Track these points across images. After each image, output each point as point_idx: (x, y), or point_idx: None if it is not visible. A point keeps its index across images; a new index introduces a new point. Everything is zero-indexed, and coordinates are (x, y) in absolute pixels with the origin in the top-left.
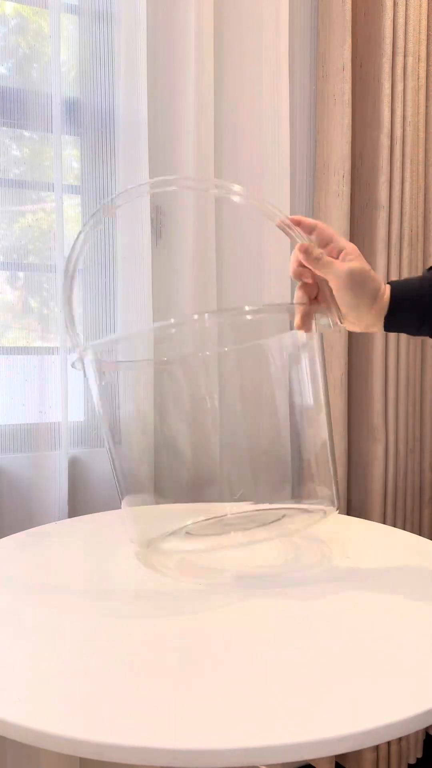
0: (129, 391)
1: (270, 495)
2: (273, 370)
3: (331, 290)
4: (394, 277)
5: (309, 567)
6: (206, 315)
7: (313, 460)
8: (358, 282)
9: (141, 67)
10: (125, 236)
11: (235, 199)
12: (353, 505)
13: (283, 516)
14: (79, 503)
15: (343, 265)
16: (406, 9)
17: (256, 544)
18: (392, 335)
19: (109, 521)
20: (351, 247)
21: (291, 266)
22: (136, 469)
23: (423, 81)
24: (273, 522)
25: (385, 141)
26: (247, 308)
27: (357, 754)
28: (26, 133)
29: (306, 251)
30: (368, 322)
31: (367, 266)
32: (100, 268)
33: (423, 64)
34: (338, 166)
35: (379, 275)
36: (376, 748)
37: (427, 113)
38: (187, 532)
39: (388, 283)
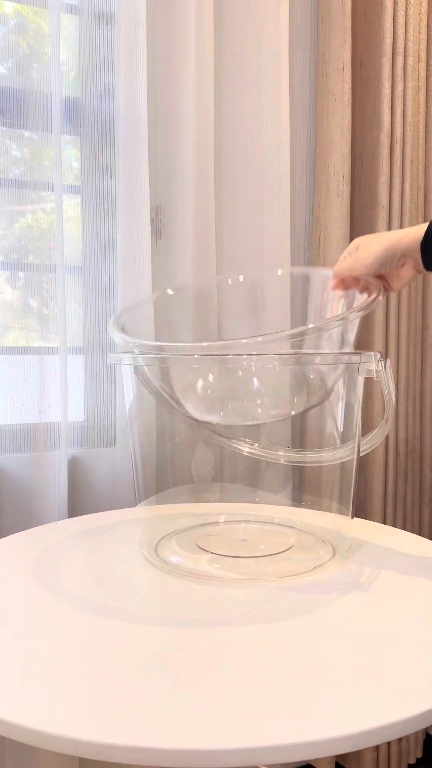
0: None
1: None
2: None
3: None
4: None
5: (309, 568)
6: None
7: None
8: (385, 259)
9: (141, 67)
10: (125, 236)
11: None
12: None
13: (291, 547)
14: (78, 503)
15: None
16: (406, 9)
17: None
18: (392, 335)
19: (109, 521)
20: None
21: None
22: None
23: (423, 81)
24: (278, 553)
25: (385, 141)
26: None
27: (357, 754)
28: (26, 133)
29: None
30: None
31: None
32: (100, 268)
33: (423, 64)
34: (338, 166)
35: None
36: (376, 748)
37: (427, 113)
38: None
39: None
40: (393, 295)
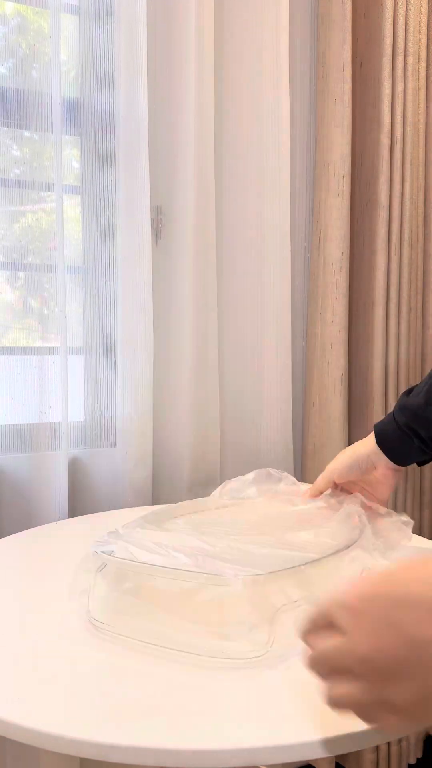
0: None
1: None
2: None
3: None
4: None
5: (310, 568)
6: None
7: None
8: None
9: (141, 68)
10: (125, 236)
11: None
12: None
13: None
14: (79, 503)
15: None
16: (406, 9)
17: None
18: (392, 335)
19: (109, 522)
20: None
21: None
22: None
23: (423, 81)
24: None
25: (385, 141)
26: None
27: (357, 754)
28: (26, 133)
29: None
30: (391, 482)
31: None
32: (100, 268)
33: (423, 64)
34: (338, 166)
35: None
36: (376, 748)
37: (427, 113)
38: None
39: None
40: (393, 295)
